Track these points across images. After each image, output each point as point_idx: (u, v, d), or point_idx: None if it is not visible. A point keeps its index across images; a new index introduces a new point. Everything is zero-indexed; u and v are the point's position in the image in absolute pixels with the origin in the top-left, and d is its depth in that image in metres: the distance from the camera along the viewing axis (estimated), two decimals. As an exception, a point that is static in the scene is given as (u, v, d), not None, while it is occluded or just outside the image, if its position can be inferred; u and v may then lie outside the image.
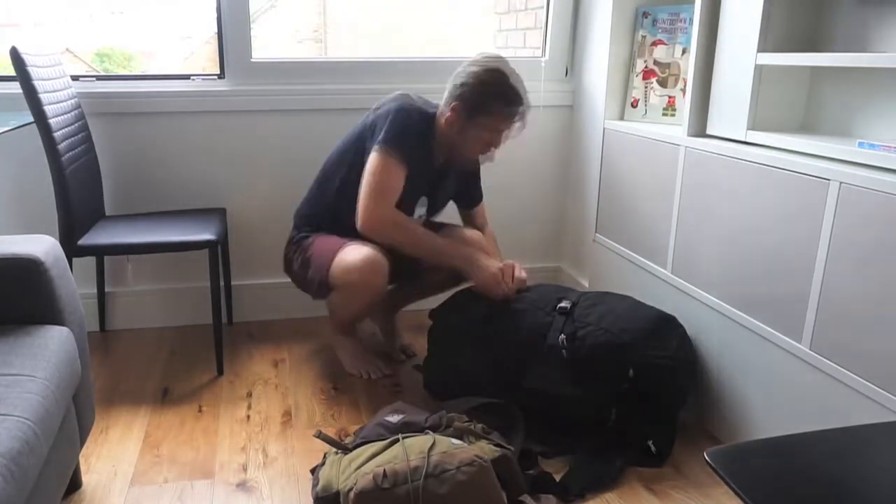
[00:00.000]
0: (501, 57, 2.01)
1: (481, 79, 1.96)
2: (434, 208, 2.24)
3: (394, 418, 1.67)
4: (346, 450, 1.61)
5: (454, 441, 1.54)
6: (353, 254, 1.97)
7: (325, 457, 1.64)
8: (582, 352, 1.80)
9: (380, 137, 1.98)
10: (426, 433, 1.59)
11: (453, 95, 1.99)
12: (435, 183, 2.17)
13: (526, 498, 1.60)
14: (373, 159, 1.98)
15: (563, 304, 1.91)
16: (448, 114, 2.01)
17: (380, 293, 2.02)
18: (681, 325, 1.89)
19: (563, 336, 1.84)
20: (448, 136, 2.04)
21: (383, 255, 1.98)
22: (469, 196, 2.32)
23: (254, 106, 2.47)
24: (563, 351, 1.82)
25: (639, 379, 1.76)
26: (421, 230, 2.01)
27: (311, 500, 1.62)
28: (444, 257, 2.02)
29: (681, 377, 1.83)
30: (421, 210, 2.18)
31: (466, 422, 1.65)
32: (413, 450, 1.50)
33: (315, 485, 1.56)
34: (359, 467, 1.50)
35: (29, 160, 2.33)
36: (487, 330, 1.96)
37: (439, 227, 2.25)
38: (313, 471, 1.67)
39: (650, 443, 1.78)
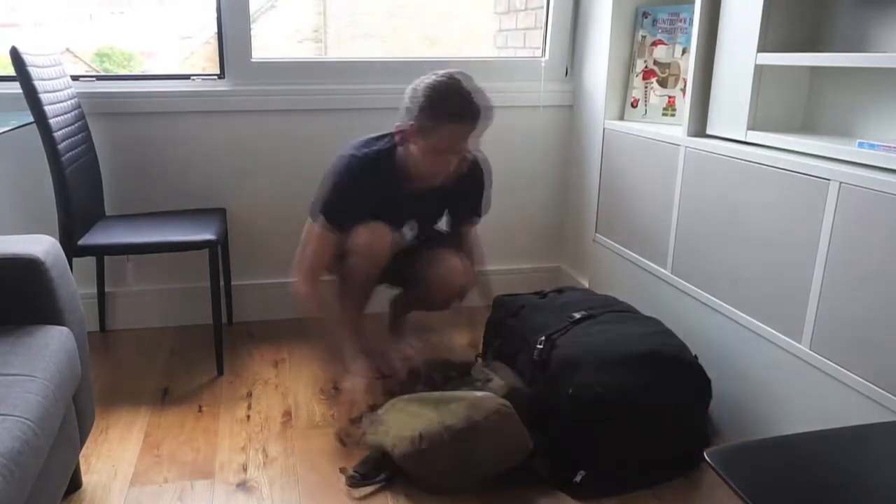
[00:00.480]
0: (457, 72, 1.91)
1: (427, 98, 1.85)
2: (426, 226, 2.18)
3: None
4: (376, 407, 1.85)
5: (477, 394, 1.72)
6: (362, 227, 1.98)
7: (364, 419, 1.84)
8: (547, 359, 1.80)
9: (318, 202, 2.01)
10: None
11: (405, 116, 1.91)
12: (414, 206, 2.07)
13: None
14: (306, 226, 2.07)
15: (576, 314, 1.90)
16: (400, 136, 1.94)
17: (382, 260, 1.99)
18: (681, 374, 1.73)
19: (542, 337, 1.84)
20: (409, 159, 1.95)
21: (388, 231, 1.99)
22: (467, 214, 2.19)
23: (254, 106, 2.47)
24: (534, 352, 1.83)
25: (574, 400, 1.67)
26: (326, 312, 2.05)
27: (312, 499, 1.63)
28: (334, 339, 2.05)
29: (622, 413, 1.66)
30: (411, 232, 2.15)
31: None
32: (445, 411, 1.67)
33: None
34: (395, 424, 1.71)
35: (29, 160, 2.33)
36: (518, 319, 2.05)
37: (430, 246, 2.15)
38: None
39: (580, 472, 1.67)
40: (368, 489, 1.67)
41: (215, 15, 2.41)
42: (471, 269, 2.14)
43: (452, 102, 1.84)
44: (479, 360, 2.08)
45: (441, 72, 1.90)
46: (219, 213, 2.38)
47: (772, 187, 1.64)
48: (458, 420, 1.62)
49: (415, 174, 1.97)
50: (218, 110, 2.45)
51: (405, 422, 1.70)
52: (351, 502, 1.63)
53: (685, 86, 1.99)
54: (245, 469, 1.75)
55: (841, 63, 1.58)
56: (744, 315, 1.75)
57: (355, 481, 1.68)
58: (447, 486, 1.65)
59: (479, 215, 2.21)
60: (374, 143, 2.01)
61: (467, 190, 2.15)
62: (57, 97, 2.05)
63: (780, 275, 1.63)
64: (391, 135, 1.99)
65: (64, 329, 1.45)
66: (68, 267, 1.56)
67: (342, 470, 1.72)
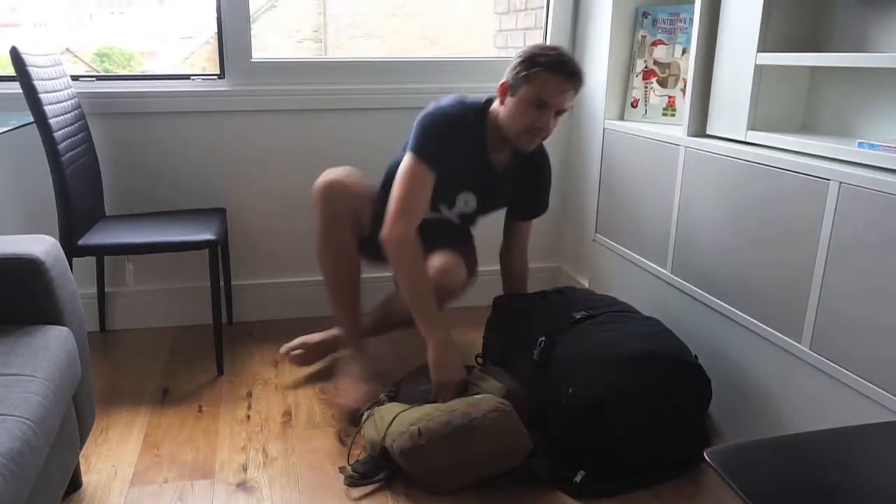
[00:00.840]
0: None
1: (525, 53, 1.90)
2: (483, 208, 2.13)
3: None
4: (378, 403, 1.85)
5: (476, 396, 1.72)
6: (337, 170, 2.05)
7: (364, 416, 1.84)
8: (547, 359, 1.80)
9: (410, 143, 1.96)
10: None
11: (505, 77, 1.95)
12: (485, 179, 2.05)
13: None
14: (402, 165, 1.94)
15: (576, 314, 1.90)
16: (498, 95, 1.97)
17: (334, 212, 2.00)
18: (681, 374, 1.73)
19: (543, 337, 1.85)
20: (499, 119, 1.96)
21: (348, 179, 2.01)
22: (524, 206, 2.19)
23: (254, 106, 2.47)
24: (535, 352, 1.84)
25: (574, 399, 1.68)
26: (424, 277, 1.91)
27: (312, 499, 1.63)
28: (418, 317, 1.90)
29: (622, 413, 1.66)
30: (465, 207, 2.09)
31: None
32: (444, 408, 1.67)
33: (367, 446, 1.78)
34: (392, 420, 1.70)
35: (29, 160, 2.33)
36: (518, 319, 2.05)
37: (441, 240, 2.08)
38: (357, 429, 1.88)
39: (580, 472, 1.67)
40: (367, 488, 1.67)
41: (215, 15, 2.40)
42: (465, 276, 2.05)
43: (548, 55, 1.87)
44: (479, 364, 2.08)
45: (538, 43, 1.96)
46: (219, 213, 2.38)
47: (772, 187, 1.64)
48: (457, 417, 1.63)
49: (507, 132, 1.95)
50: (218, 110, 2.45)
51: (404, 416, 1.70)
52: (350, 502, 1.63)
53: (685, 86, 1.99)
54: (245, 469, 1.75)
55: (841, 63, 1.57)
56: (744, 315, 1.75)
57: (354, 480, 1.68)
58: (446, 486, 1.65)
59: (543, 210, 2.21)
60: (466, 101, 2.00)
61: (536, 181, 2.15)
62: (57, 97, 2.05)
63: (780, 275, 1.63)
64: (486, 100, 2.01)
65: (64, 329, 1.45)
66: (68, 267, 1.56)
67: (341, 469, 1.72)
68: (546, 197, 2.21)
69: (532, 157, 2.10)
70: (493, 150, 2.02)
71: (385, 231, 1.90)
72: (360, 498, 1.64)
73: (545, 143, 2.07)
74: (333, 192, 2.00)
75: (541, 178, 2.17)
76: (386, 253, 1.92)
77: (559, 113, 1.92)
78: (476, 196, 2.08)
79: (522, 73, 1.88)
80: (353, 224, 2.03)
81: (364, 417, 1.84)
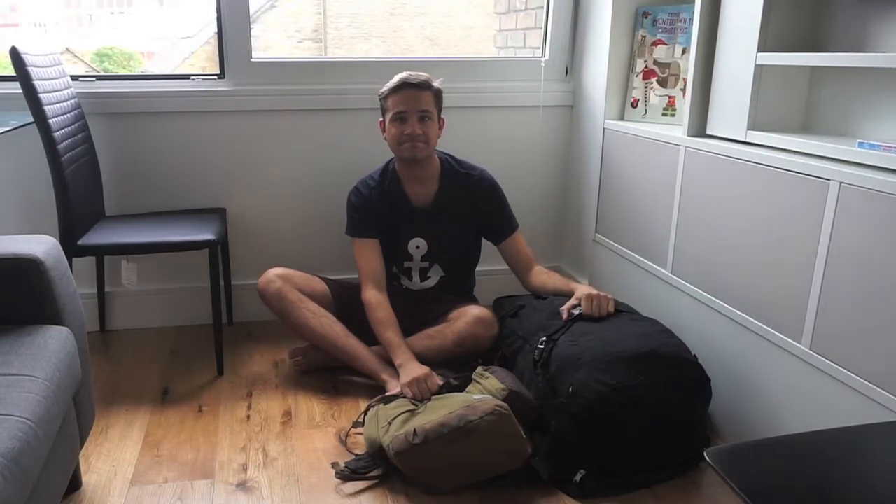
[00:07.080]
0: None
1: (379, 93, 2.19)
2: (436, 248, 2.23)
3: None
4: (381, 401, 1.86)
5: (475, 396, 1.73)
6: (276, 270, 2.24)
7: (364, 415, 1.86)
8: (547, 358, 1.80)
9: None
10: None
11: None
12: (417, 218, 2.21)
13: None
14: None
15: (575, 314, 1.91)
16: (381, 127, 2.21)
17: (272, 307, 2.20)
18: (681, 374, 1.72)
19: (543, 337, 1.85)
20: (391, 150, 2.20)
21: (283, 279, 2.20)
22: (493, 231, 2.28)
23: (254, 106, 2.47)
24: (535, 351, 1.84)
25: (574, 398, 1.67)
26: (381, 330, 2.10)
27: (312, 499, 1.63)
28: (389, 349, 2.07)
29: (622, 412, 1.65)
30: (417, 252, 2.24)
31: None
32: (438, 406, 1.70)
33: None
34: (391, 420, 1.72)
35: (29, 160, 2.33)
36: (518, 319, 2.07)
37: (448, 306, 2.19)
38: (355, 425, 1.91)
39: (580, 472, 1.67)
40: (361, 484, 1.67)
41: (215, 15, 2.40)
42: (497, 332, 2.11)
43: (391, 83, 2.15)
44: (480, 362, 2.08)
45: None
46: (219, 213, 2.38)
47: (772, 187, 1.64)
48: (453, 419, 1.62)
49: (395, 153, 2.19)
50: (218, 110, 2.45)
51: (402, 418, 1.70)
52: (350, 502, 1.63)
53: (685, 86, 1.99)
54: (245, 469, 1.75)
55: (841, 63, 1.58)
56: (744, 315, 1.75)
57: (345, 475, 1.68)
58: (442, 486, 1.65)
59: (511, 225, 2.28)
60: (374, 169, 2.27)
61: (487, 207, 2.25)
62: (57, 97, 2.05)
63: (780, 275, 1.63)
64: (390, 159, 2.26)
65: (64, 329, 1.45)
66: (68, 267, 1.57)
67: (334, 465, 1.72)
68: (506, 211, 2.29)
69: (470, 189, 2.23)
70: (410, 186, 2.22)
71: (362, 295, 2.17)
72: (358, 497, 1.64)
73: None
74: (278, 285, 2.18)
75: (490, 202, 2.26)
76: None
77: (424, 116, 2.11)
78: (423, 238, 2.23)
79: (382, 107, 2.17)
80: (309, 294, 2.22)
81: (367, 414, 1.84)
